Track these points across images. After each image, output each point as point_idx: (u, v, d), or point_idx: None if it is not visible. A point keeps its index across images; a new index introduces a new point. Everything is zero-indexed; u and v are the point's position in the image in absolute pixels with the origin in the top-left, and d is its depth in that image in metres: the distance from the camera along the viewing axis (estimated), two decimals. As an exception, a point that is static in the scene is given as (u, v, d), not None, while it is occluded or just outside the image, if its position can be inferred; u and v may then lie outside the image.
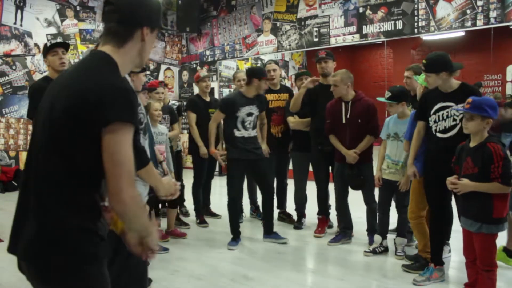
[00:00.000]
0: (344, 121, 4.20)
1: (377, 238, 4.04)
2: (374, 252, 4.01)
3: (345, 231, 4.44)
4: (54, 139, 1.35)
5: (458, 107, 3.04)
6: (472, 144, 2.83)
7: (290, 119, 4.90)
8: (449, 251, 3.91)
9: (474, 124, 2.77)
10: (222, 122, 4.62)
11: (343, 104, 4.21)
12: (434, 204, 3.37)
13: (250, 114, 4.34)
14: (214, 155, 4.67)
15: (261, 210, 5.33)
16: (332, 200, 4.89)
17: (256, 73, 4.36)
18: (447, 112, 3.23)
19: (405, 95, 3.91)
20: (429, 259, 3.46)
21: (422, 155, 3.47)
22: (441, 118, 3.26)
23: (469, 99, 2.83)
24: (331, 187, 4.80)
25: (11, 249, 1.42)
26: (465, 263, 3.03)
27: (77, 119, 1.31)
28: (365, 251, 4.06)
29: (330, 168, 4.68)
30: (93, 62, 1.42)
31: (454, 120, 3.20)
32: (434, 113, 3.29)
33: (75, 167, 1.35)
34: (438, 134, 3.27)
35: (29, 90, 3.42)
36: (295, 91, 5.28)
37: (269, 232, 4.50)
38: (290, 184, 5.29)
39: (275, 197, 4.68)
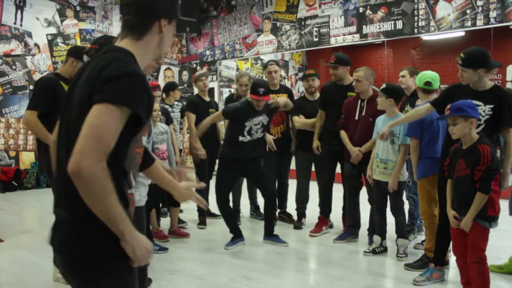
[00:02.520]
0: (357, 117, 4.20)
1: (377, 238, 4.04)
2: (374, 252, 4.01)
3: (352, 229, 4.43)
4: (77, 126, 1.29)
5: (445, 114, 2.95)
6: (464, 147, 2.88)
7: (296, 118, 4.88)
8: (449, 250, 3.90)
9: (459, 127, 2.83)
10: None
11: (359, 101, 4.22)
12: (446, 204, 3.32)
13: (259, 123, 4.26)
14: (192, 145, 4.89)
15: (261, 210, 5.34)
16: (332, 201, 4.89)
17: (251, 89, 4.22)
18: None
19: (396, 93, 3.85)
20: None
21: (427, 159, 3.50)
22: None
23: (448, 105, 2.88)
24: (334, 187, 4.80)
25: (49, 240, 1.40)
26: (456, 261, 3.08)
27: (89, 100, 1.28)
28: (365, 251, 4.06)
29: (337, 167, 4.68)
30: (108, 56, 1.38)
31: (479, 119, 3.02)
32: None
33: None
34: None
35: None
36: (295, 91, 5.27)
37: (269, 234, 4.48)
38: (291, 185, 5.29)
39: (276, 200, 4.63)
